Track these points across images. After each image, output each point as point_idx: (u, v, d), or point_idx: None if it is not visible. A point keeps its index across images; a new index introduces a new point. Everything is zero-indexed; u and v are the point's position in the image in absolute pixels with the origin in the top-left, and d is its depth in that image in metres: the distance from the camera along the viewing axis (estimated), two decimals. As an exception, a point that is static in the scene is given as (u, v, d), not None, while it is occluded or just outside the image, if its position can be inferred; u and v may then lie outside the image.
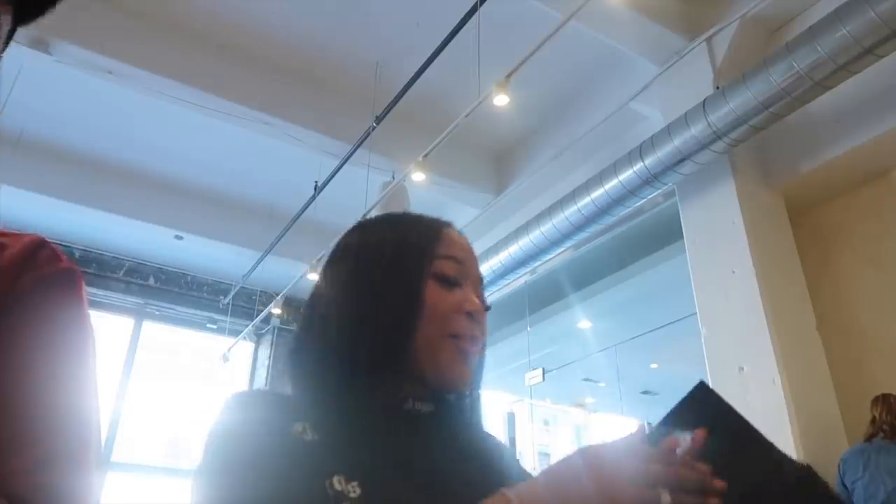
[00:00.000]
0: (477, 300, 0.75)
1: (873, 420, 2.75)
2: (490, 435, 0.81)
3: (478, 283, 0.78)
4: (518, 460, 0.83)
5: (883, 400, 2.75)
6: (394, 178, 4.61)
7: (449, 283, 0.74)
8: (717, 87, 3.33)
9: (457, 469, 0.69)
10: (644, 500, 0.53)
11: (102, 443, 0.56)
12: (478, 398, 0.81)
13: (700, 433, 0.55)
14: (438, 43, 3.61)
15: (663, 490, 0.54)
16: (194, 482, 0.63)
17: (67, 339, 0.56)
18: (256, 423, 0.64)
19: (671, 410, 0.59)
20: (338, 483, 0.60)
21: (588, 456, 0.56)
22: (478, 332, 0.74)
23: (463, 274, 0.75)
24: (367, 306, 0.71)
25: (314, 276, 5.09)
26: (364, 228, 0.82)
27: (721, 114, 3.12)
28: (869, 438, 2.74)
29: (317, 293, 0.79)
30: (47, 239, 0.59)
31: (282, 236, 5.35)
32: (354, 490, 0.60)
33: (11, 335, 0.52)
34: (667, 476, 0.54)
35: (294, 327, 0.80)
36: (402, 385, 0.72)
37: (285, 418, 0.65)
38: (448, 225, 0.80)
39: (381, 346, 0.70)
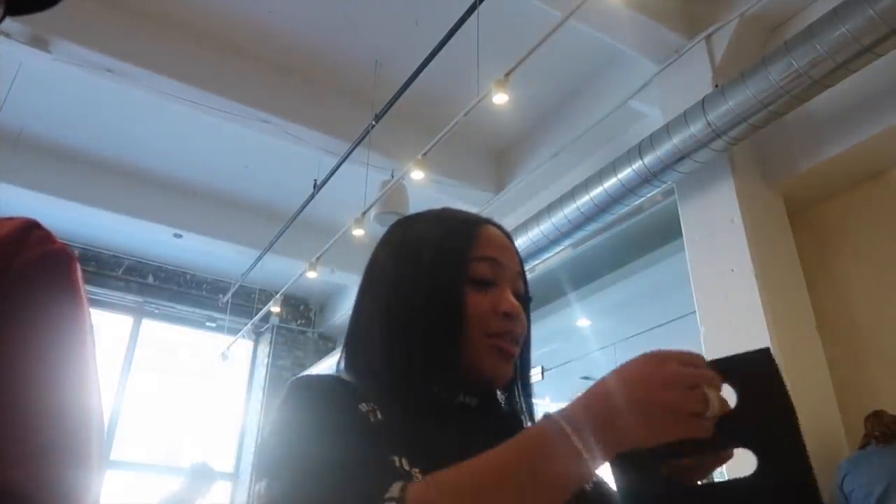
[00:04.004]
0: (511, 298, 0.76)
1: (865, 434, 2.87)
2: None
3: (516, 277, 0.79)
4: None
5: (874, 416, 2.87)
6: (393, 176, 4.61)
7: (484, 284, 0.75)
8: (717, 86, 3.33)
9: None
10: (687, 401, 0.53)
11: (104, 435, 0.53)
12: (528, 394, 0.82)
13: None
14: (437, 41, 3.61)
15: (708, 389, 0.54)
16: (262, 452, 0.64)
17: (63, 325, 0.53)
18: (326, 398, 0.66)
19: (724, 357, 0.58)
20: (405, 465, 0.62)
21: (627, 368, 0.56)
22: (517, 329, 0.76)
23: (499, 272, 0.76)
24: (410, 313, 0.74)
25: (313, 275, 5.10)
26: (405, 227, 0.83)
27: (720, 112, 3.12)
28: (863, 446, 2.85)
29: (364, 286, 0.82)
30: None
31: (281, 234, 5.36)
32: (416, 476, 0.62)
33: (3, 321, 0.49)
34: (709, 377, 0.54)
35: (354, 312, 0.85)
36: (453, 381, 0.75)
37: (352, 397, 0.67)
38: (485, 222, 0.81)
39: (427, 350, 0.72)
